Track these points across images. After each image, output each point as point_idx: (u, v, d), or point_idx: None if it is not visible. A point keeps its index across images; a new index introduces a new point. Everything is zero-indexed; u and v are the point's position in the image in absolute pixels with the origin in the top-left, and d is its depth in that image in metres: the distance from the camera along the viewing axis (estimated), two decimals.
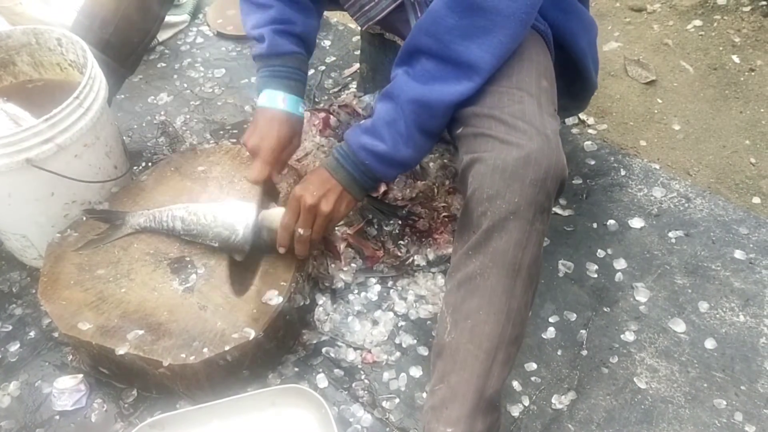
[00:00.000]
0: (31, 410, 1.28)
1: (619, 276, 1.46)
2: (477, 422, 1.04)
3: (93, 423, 1.26)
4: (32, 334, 1.39)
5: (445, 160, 1.65)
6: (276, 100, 1.33)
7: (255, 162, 1.36)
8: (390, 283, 1.45)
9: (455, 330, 1.06)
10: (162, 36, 2.15)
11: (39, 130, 1.23)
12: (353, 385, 1.30)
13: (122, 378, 1.28)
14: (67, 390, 1.27)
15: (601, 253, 1.50)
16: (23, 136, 1.22)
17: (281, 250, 1.27)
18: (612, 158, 1.72)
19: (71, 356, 1.35)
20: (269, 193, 1.42)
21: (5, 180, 1.26)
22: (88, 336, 1.19)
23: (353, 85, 1.96)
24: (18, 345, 1.37)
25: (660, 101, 1.90)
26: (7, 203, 1.31)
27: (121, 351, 1.17)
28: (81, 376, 1.29)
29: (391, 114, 1.15)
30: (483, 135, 1.07)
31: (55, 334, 1.38)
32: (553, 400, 1.27)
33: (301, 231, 1.23)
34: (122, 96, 1.89)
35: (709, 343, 1.34)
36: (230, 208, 1.31)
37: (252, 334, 1.19)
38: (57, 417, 1.27)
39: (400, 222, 1.52)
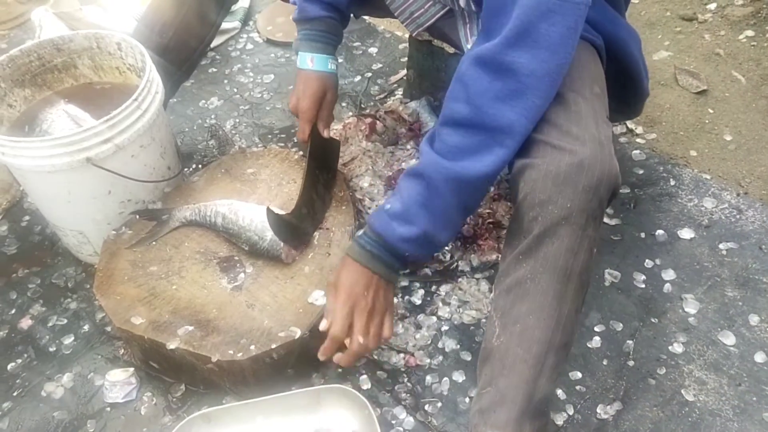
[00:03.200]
0: (83, 402, 1.32)
1: (667, 287, 1.43)
2: (525, 427, 1.03)
3: (142, 416, 1.29)
4: (86, 327, 1.44)
5: None
6: (306, 62, 1.38)
7: (299, 122, 1.41)
8: (434, 288, 1.46)
9: (504, 334, 1.06)
10: (213, 42, 2.19)
11: (99, 130, 1.28)
12: (396, 387, 1.30)
13: (171, 372, 1.32)
14: (118, 383, 1.31)
15: (649, 263, 1.48)
16: (84, 136, 1.27)
17: (322, 358, 1.17)
18: (661, 168, 1.69)
19: (123, 350, 1.39)
20: (324, 155, 1.47)
21: (66, 178, 1.31)
22: (140, 330, 1.23)
23: (399, 92, 1.98)
24: (72, 338, 1.42)
25: (711, 111, 1.87)
26: (67, 200, 1.36)
27: (171, 346, 1.20)
28: (132, 369, 1.33)
29: (424, 195, 1.09)
30: (535, 140, 1.06)
31: (108, 328, 1.42)
32: (598, 410, 1.25)
33: (361, 339, 1.14)
34: (175, 100, 1.94)
35: (759, 357, 1.31)
36: (263, 213, 1.33)
37: (298, 333, 1.21)
38: (108, 409, 1.31)
39: None
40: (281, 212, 1.36)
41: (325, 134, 1.43)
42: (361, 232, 1.18)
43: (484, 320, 1.39)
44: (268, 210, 1.33)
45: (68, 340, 1.42)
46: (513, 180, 1.09)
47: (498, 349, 1.07)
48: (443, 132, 1.08)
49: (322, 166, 1.46)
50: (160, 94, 1.40)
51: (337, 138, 1.60)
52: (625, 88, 1.36)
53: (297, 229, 1.36)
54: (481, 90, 1.03)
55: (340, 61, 2.11)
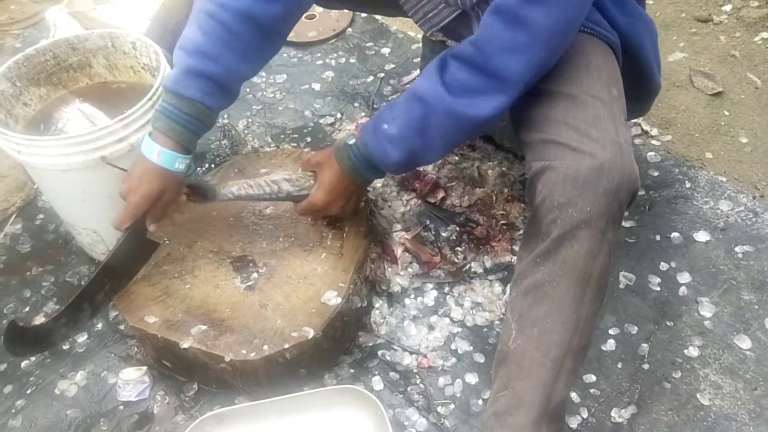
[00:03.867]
0: (96, 400, 1.32)
1: (683, 290, 1.42)
2: (542, 430, 1.03)
3: (155, 414, 1.29)
4: (99, 326, 1.44)
5: (504, 168, 1.65)
6: (152, 153, 1.16)
7: (122, 209, 1.21)
8: (446, 289, 1.45)
9: (521, 337, 1.06)
10: None
11: (113, 129, 1.28)
12: (408, 388, 1.30)
13: (184, 371, 1.32)
14: (131, 381, 1.31)
15: (664, 266, 1.47)
16: (98, 135, 1.27)
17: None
18: (676, 170, 1.68)
19: (136, 348, 1.39)
20: (129, 258, 1.30)
21: (80, 176, 1.32)
22: (154, 329, 1.23)
23: None
24: (85, 336, 1.42)
25: (727, 113, 1.85)
26: (81, 199, 1.37)
27: (185, 345, 1.20)
28: (145, 368, 1.33)
29: (422, 123, 1.12)
30: (554, 142, 1.06)
31: (121, 327, 1.43)
32: (612, 414, 1.24)
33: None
34: None
35: None
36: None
37: (311, 333, 1.21)
38: (121, 407, 1.31)
39: (457, 228, 1.52)
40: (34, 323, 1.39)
41: (151, 228, 1.24)
42: (352, 141, 1.20)
43: (497, 322, 1.39)
44: (11, 323, 1.27)
45: (82, 338, 1.42)
46: (530, 182, 1.09)
47: (515, 352, 1.06)
48: (452, 64, 1.10)
49: (120, 272, 1.31)
50: None
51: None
52: (637, 84, 1.34)
53: (43, 339, 1.34)
54: (490, 36, 1.06)
55: (352, 61, 2.11)
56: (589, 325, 1.06)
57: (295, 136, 1.86)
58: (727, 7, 2.20)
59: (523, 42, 1.04)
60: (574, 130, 1.05)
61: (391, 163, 1.17)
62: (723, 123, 1.82)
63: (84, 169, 1.29)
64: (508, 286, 1.41)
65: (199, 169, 1.73)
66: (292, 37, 2.19)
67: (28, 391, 1.34)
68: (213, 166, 1.74)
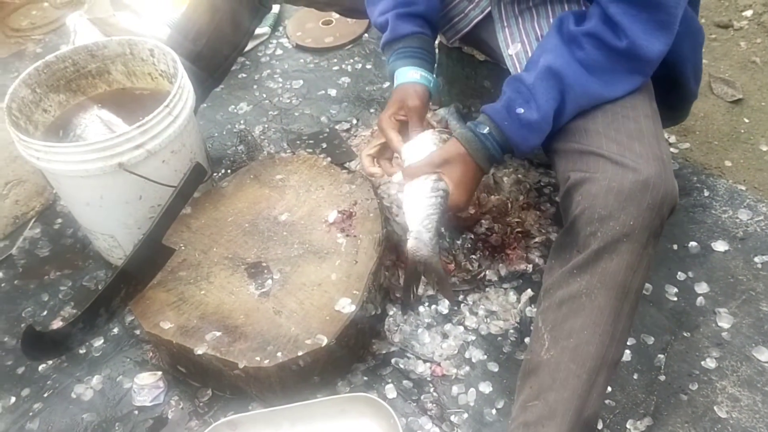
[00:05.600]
0: (112, 404, 1.34)
1: (700, 300, 1.40)
2: None
3: (169, 419, 1.30)
4: (115, 330, 1.45)
5: (519, 175, 1.64)
6: (406, 75, 1.26)
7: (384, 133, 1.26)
8: (461, 297, 1.44)
9: (555, 348, 1.05)
10: None
11: (131, 136, 1.29)
12: (422, 397, 1.29)
13: (198, 377, 1.32)
14: (146, 386, 1.32)
15: (681, 275, 1.45)
16: (116, 141, 1.28)
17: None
18: (695, 178, 1.66)
19: (151, 353, 1.40)
20: (147, 265, 1.33)
21: (98, 182, 1.33)
22: (169, 335, 1.24)
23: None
24: (102, 341, 1.44)
25: (747, 121, 1.83)
26: (99, 205, 1.38)
27: (199, 351, 1.21)
28: (160, 373, 1.34)
29: (559, 101, 1.08)
30: (594, 153, 1.06)
31: (137, 332, 1.44)
32: (628, 425, 1.23)
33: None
34: (204, 105, 1.96)
35: None
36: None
37: (324, 340, 1.21)
38: (136, 412, 1.32)
39: (472, 236, 1.51)
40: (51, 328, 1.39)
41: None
42: (486, 129, 1.12)
43: (511, 331, 1.38)
44: (28, 328, 1.30)
45: (98, 342, 1.43)
46: (567, 192, 1.08)
47: (548, 363, 1.05)
48: (587, 42, 1.08)
49: (136, 277, 1.32)
50: (191, 101, 1.41)
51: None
52: (667, 90, 1.31)
53: (60, 343, 1.36)
54: (629, 20, 1.05)
55: (368, 67, 2.12)
56: (624, 338, 1.06)
57: (311, 141, 1.86)
58: (748, 13, 2.17)
59: (663, 21, 1.05)
60: (615, 143, 1.05)
61: (527, 149, 1.13)
62: (743, 131, 1.80)
63: (102, 175, 1.31)
64: (523, 294, 1.41)
65: (215, 174, 1.74)
66: (308, 42, 2.22)
67: (45, 395, 1.36)
68: (229, 171, 1.75)
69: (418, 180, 1.15)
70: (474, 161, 1.14)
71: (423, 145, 1.20)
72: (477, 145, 1.13)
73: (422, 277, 1.22)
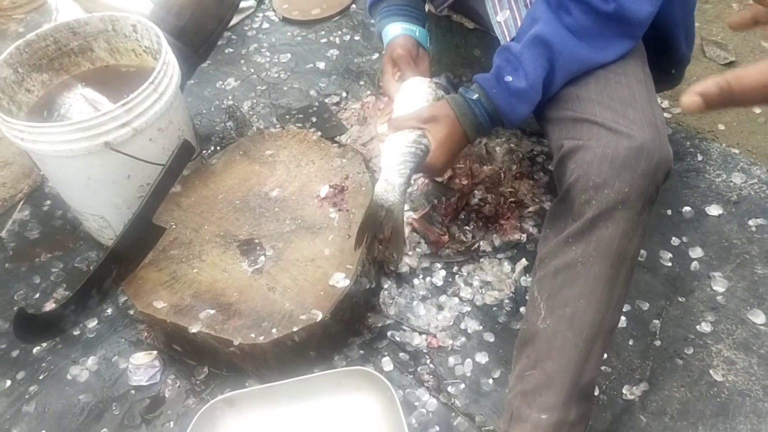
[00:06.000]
0: (108, 385, 1.33)
1: (695, 265, 1.40)
2: (571, 410, 1.02)
3: (166, 398, 1.30)
4: (109, 311, 1.45)
5: (512, 145, 1.62)
6: (391, 31, 1.27)
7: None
8: (455, 269, 1.44)
9: (551, 317, 1.05)
10: None
11: (116, 114, 1.27)
12: (418, 369, 1.30)
13: (194, 355, 1.32)
14: (142, 366, 1.32)
15: (675, 240, 1.45)
16: (101, 120, 1.26)
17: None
18: (688, 143, 1.65)
19: (146, 333, 1.39)
20: (137, 244, 1.32)
21: (85, 162, 1.31)
22: (162, 314, 1.23)
23: None
24: (96, 322, 1.43)
25: None
26: (86, 185, 1.36)
27: (194, 329, 1.20)
28: (155, 352, 1.34)
29: (547, 69, 1.07)
30: (587, 121, 1.04)
31: (131, 312, 1.43)
32: (624, 391, 1.23)
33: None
34: (191, 81, 1.93)
35: None
36: None
37: (319, 315, 1.20)
38: (132, 392, 1.32)
39: (460, 205, 1.50)
40: (44, 309, 1.38)
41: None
42: (475, 96, 1.11)
43: (506, 301, 1.38)
44: (19, 311, 1.29)
45: (92, 323, 1.43)
46: (561, 161, 1.07)
47: (544, 332, 1.05)
48: (574, 7, 1.06)
49: (128, 257, 1.30)
50: (176, 77, 1.39)
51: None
52: (657, 53, 1.29)
53: (53, 325, 1.35)
54: None
55: (357, 39, 2.08)
56: (620, 305, 1.06)
57: (300, 116, 1.84)
58: None
59: None
60: (608, 109, 1.04)
61: (517, 119, 1.11)
62: None
63: (88, 154, 1.29)
64: (517, 264, 1.40)
65: (204, 151, 1.72)
66: (295, 15, 2.18)
67: (41, 377, 1.35)
68: (219, 148, 1.73)
69: (402, 132, 1.13)
70: (460, 126, 1.12)
71: (414, 92, 1.18)
72: (465, 109, 1.11)
73: (380, 226, 1.16)
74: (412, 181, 1.34)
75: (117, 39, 1.53)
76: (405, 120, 1.13)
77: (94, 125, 1.26)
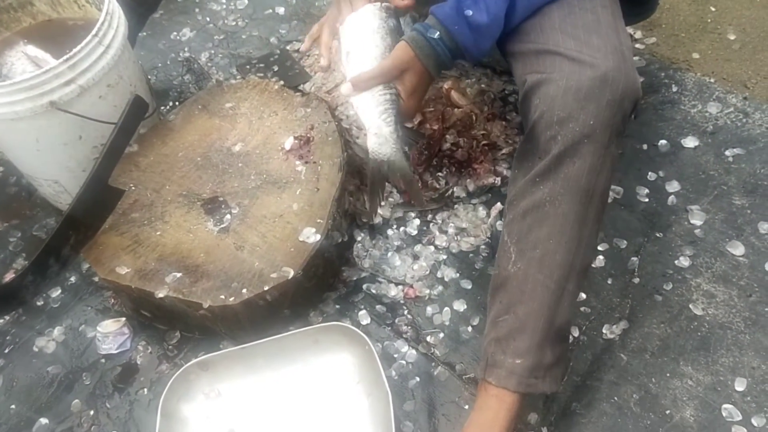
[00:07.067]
0: (76, 355, 1.29)
1: (672, 199, 1.38)
2: (546, 353, 1.01)
3: (139, 365, 1.26)
4: (72, 279, 1.39)
5: (483, 85, 1.57)
6: None
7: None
8: (429, 217, 1.40)
9: (522, 260, 1.02)
10: None
11: (60, 71, 1.19)
12: (396, 320, 1.27)
13: (164, 320, 1.28)
14: (111, 334, 1.27)
15: (652, 175, 1.42)
16: (44, 78, 1.18)
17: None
18: (662, 74, 1.61)
19: (113, 300, 1.34)
20: (94, 208, 1.26)
21: (31, 125, 1.23)
22: (126, 280, 1.18)
23: None
24: (59, 291, 1.37)
25: (713, 9, 1.76)
26: (36, 149, 1.29)
27: (160, 294, 1.16)
28: (123, 319, 1.29)
29: (508, 1, 1.01)
30: (550, 52, 0.99)
31: (96, 279, 1.38)
32: (604, 330, 1.22)
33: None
34: (143, 33, 1.83)
35: None
36: None
37: (291, 273, 1.16)
38: (102, 360, 1.27)
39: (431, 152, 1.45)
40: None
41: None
42: (436, 34, 1.04)
43: (483, 246, 1.35)
44: None
45: (55, 293, 1.37)
46: (525, 97, 1.02)
47: (515, 276, 1.02)
48: None
49: (85, 222, 1.25)
50: (123, 28, 1.30)
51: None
52: None
53: (11, 297, 1.27)
54: None
55: None
56: (592, 243, 1.02)
57: (261, 65, 1.75)
58: None
59: None
60: (571, 38, 0.98)
61: (479, 53, 1.05)
62: (710, 20, 1.73)
63: (33, 116, 1.21)
64: (492, 208, 1.37)
65: (162, 107, 1.64)
66: None
67: (6, 351, 1.30)
68: (177, 104, 1.65)
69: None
70: (424, 67, 1.06)
71: (363, 27, 1.10)
72: (428, 51, 1.05)
73: (387, 180, 1.13)
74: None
75: None
76: (370, 80, 1.06)
77: (36, 84, 1.17)
